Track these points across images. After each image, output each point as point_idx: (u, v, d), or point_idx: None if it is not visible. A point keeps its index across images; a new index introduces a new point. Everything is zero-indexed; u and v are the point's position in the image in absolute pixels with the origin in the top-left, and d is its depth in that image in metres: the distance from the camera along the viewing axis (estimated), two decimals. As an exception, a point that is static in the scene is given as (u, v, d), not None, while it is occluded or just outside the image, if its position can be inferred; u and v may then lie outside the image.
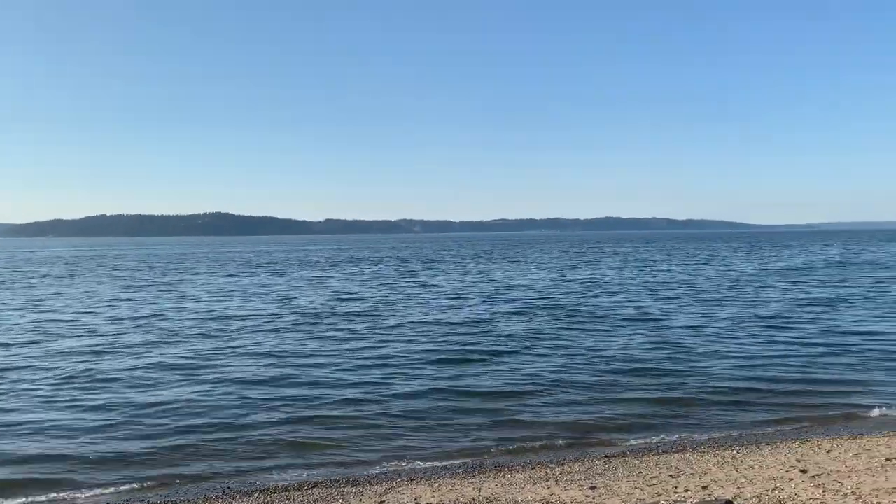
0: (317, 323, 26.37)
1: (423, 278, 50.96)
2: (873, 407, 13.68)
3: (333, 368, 17.77)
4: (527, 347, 20.23)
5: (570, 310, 29.31)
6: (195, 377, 16.91)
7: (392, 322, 26.28)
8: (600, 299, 33.63)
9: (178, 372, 17.52)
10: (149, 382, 16.40)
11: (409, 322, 26.20)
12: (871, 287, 38.78)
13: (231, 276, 57.00)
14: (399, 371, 17.29)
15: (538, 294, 36.71)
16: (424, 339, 22.05)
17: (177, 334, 23.80)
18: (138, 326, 26.02)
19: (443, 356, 19.02)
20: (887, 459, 9.80)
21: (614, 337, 22.07)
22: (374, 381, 16.22)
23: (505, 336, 22.47)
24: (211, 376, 16.93)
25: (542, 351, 19.69)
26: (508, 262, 76.21)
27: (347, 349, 20.51)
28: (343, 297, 36.84)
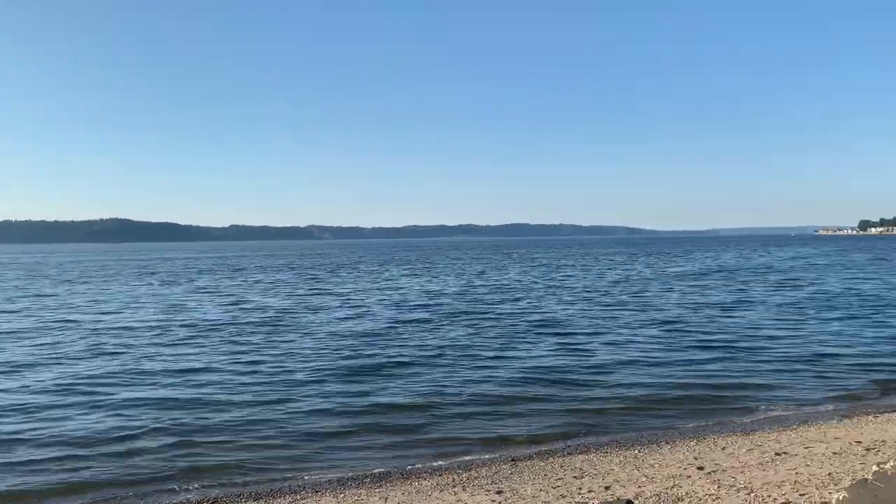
0: (212, 335, 24.67)
1: (328, 286, 49.65)
2: (764, 404, 14.36)
3: (230, 385, 16.59)
4: (433, 357, 19.80)
5: (478, 317, 29.20)
6: (75, 401, 15.09)
7: (293, 333, 25.13)
8: (507, 305, 33.88)
9: (56, 395, 15.61)
10: (21, 409, 14.47)
11: (311, 333, 25.10)
12: (762, 291, 40.89)
13: (123, 285, 53.88)
14: (300, 385, 16.44)
15: (446, 301, 36.40)
16: (328, 351, 21.10)
17: (56, 351, 21.51)
18: (13, 343, 23.57)
19: (347, 368, 18.34)
20: (777, 454, 10.24)
21: (520, 343, 22.12)
22: (274, 397, 15.28)
23: (412, 346, 21.90)
24: (93, 398, 15.24)
25: (449, 360, 19.38)
26: (418, 268, 75.93)
27: (245, 363, 19.31)
28: (242, 307, 35.14)
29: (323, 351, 21.29)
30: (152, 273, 71.49)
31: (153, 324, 28.17)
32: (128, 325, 27.97)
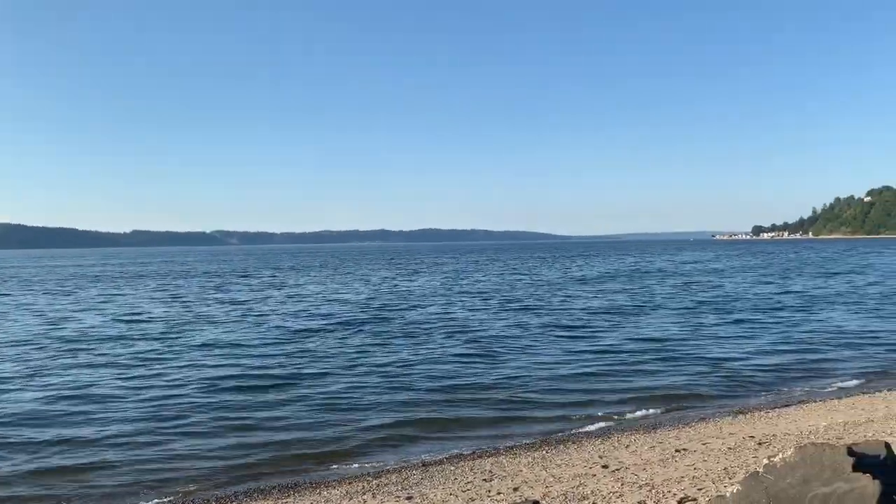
0: (97, 348, 23.07)
1: (230, 294, 47.62)
2: (666, 403, 14.91)
3: (110, 401, 15.48)
4: (336, 366, 19.23)
5: (385, 323, 28.82)
6: None
7: (186, 344, 23.71)
8: (416, 311, 33.67)
9: None
10: None
11: (207, 343, 23.73)
12: (663, 294, 42.51)
13: (3, 295, 50.15)
14: (191, 400, 15.43)
15: (354, 308, 35.76)
16: (225, 363, 19.94)
17: None
18: None
19: (245, 380, 17.44)
20: (677, 450, 10.63)
21: (428, 350, 21.95)
22: (162, 414, 14.29)
23: (315, 355, 21.13)
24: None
25: (353, 368, 18.94)
26: (327, 274, 74.93)
27: (130, 378, 18.02)
28: (133, 317, 32.98)
29: (218, 362, 20.12)
30: (40, 282, 67.46)
31: (32, 338, 25.95)
32: (5, 340, 25.62)
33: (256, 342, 24.13)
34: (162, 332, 26.90)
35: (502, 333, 25.40)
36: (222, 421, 13.76)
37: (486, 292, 45.33)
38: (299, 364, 19.78)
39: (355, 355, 21.12)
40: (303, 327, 28.17)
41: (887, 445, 6.81)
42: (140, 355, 21.62)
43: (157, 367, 19.68)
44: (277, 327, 28.28)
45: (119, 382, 17.56)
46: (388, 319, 30.41)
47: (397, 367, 19.15)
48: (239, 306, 38.21)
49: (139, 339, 25.16)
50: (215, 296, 46.65)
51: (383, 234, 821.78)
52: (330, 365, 19.55)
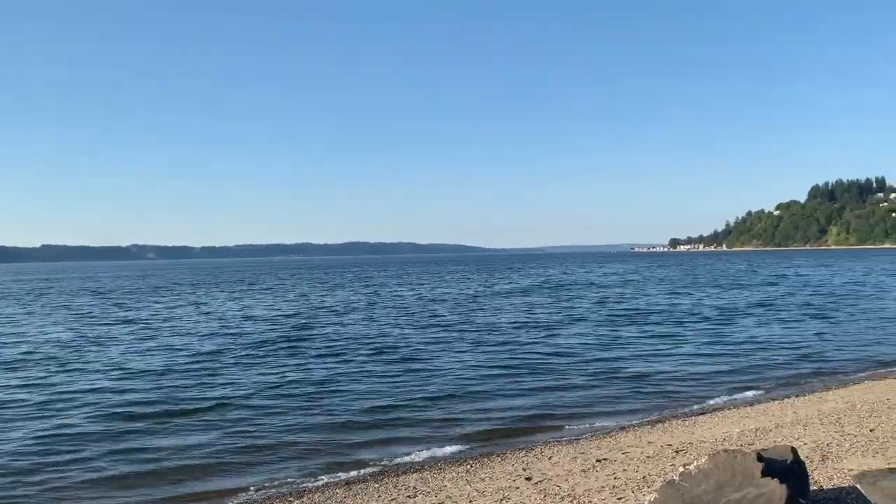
0: None
1: (138, 312, 44.49)
2: (588, 416, 15.18)
3: None
4: (252, 389, 18.00)
5: (304, 342, 27.54)
6: None
7: (84, 368, 21.97)
8: (336, 328, 32.25)
9: None
10: None
11: (107, 367, 22.04)
12: (584, 306, 43.42)
13: None
14: (84, 430, 14.28)
15: (271, 326, 34.06)
16: (127, 388, 18.29)
17: None
18: None
19: (148, 407, 16.21)
20: (598, 460, 10.80)
21: (349, 367, 21.25)
22: (54, 447, 13.11)
23: (230, 378, 19.71)
24: None
25: (269, 390, 17.87)
26: (245, 290, 72.58)
27: (16, 407, 16.59)
28: (26, 338, 30.37)
29: (118, 389, 18.49)
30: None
31: None
32: None
33: (164, 365, 22.38)
34: (56, 356, 24.80)
35: (426, 349, 25.10)
36: (119, 454, 12.66)
37: (409, 307, 44.85)
38: (210, 388, 18.45)
39: (272, 377, 19.99)
40: (216, 347, 26.24)
41: (793, 450, 7.11)
42: (30, 381, 19.97)
43: (49, 393, 18.19)
44: (188, 348, 26.33)
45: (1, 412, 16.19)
46: (308, 337, 29.04)
47: (316, 387, 18.40)
48: (147, 325, 35.86)
49: (31, 364, 23.17)
50: (121, 314, 43.59)
51: (307, 248, 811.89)
52: (244, 388, 18.27)
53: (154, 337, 30.37)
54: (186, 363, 22.77)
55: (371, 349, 25.19)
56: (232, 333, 31.13)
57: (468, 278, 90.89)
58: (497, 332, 29.66)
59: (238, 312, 42.97)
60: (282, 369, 21.28)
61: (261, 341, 28.02)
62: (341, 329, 32.17)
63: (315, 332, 31.28)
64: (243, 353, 24.92)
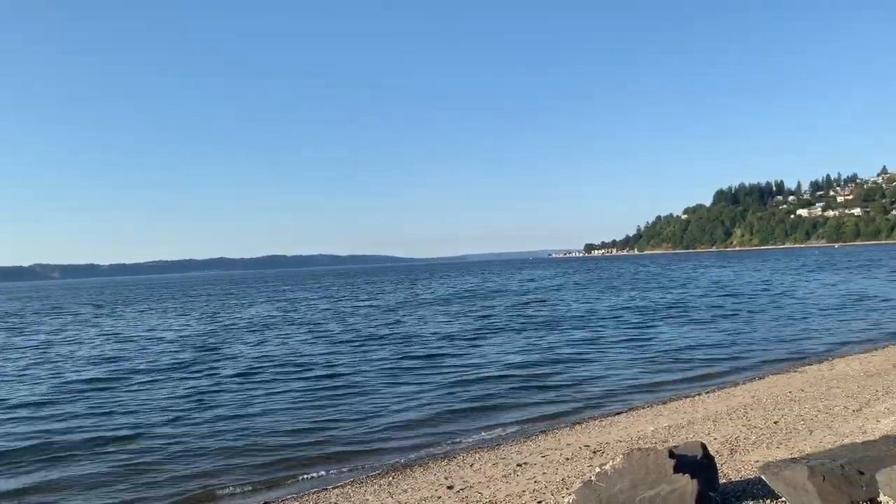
0: None
1: (31, 337, 41.00)
2: (507, 421, 15.30)
3: None
4: (158, 418, 16.80)
5: (215, 363, 25.86)
6: None
7: None
8: (250, 348, 30.43)
9: None
10: None
11: None
12: (505, 315, 43.89)
13: None
14: None
15: (180, 346, 31.96)
16: (11, 424, 16.98)
17: None
18: None
19: (35, 443, 14.84)
20: (518, 465, 10.89)
21: (265, 390, 19.96)
22: None
23: (132, 407, 18.23)
24: None
25: (179, 419, 16.63)
26: (154, 308, 68.56)
27: None
28: None
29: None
30: None
31: None
32: None
33: (57, 395, 20.67)
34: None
35: (345, 364, 24.27)
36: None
37: (327, 321, 43.55)
38: (110, 418, 17.09)
39: (177, 400, 18.92)
40: (113, 373, 24.42)
41: (703, 446, 7.34)
42: None
43: None
44: (85, 375, 24.22)
45: None
46: (218, 357, 27.35)
47: (228, 409, 17.46)
48: (42, 351, 33.02)
49: None
50: (11, 339, 40.13)
51: (223, 263, 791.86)
52: (150, 417, 16.97)
53: (51, 363, 27.88)
54: (87, 391, 20.96)
55: (286, 367, 24.05)
56: (133, 357, 28.80)
57: (390, 289, 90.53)
58: (419, 344, 29.14)
59: (147, 333, 40.38)
60: (190, 392, 20.13)
61: (168, 364, 26.19)
62: (254, 347, 30.50)
63: (226, 351, 29.48)
64: (146, 378, 23.05)
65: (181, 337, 37.05)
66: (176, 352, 30.26)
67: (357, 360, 25.19)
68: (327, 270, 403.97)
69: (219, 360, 26.67)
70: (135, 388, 21.33)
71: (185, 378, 22.83)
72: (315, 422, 15.84)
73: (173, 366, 25.82)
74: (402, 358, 25.18)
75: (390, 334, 33.40)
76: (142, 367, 25.79)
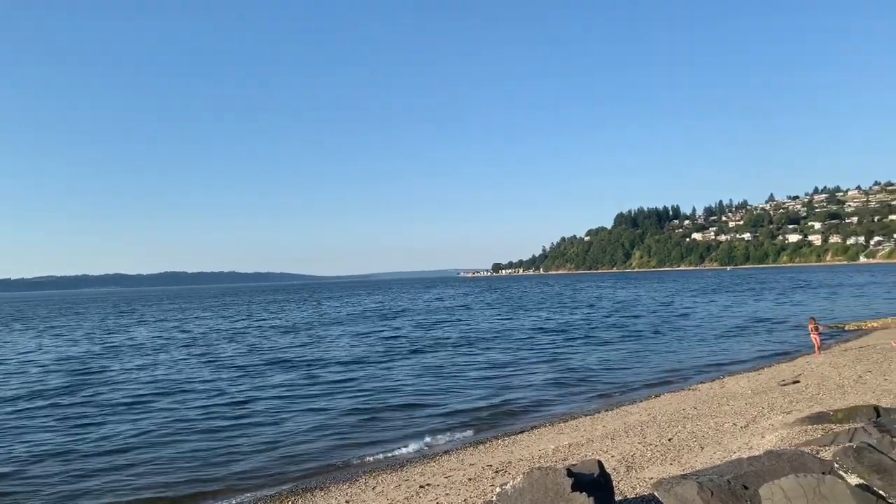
0: None
1: None
2: (402, 441, 15.21)
3: None
4: (21, 452, 15.31)
5: (99, 389, 24.09)
6: None
7: None
8: (137, 373, 28.32)
9: None
10: None
11: None
12: (409, 336, 43.79)
13: None
14: None
15: (56, 372, 29.22)
16: None
17: None
18: None
19: None
20: (421, 486, 10.80)
21: (154, 420, 18.51)
22: None
23: None
24: None
25: (51, 456, 15.03)
26: (29, 329, 62.40)
27: None
28: None
29: None
30: None
31: None
32: None
33: None
34: None
35: (247, 390, 23.03)
36: None
37: (226, 343, 41.23)
38: None
39: (58, 434, 17.34)
40: None
41: (600, 464, 7.48)
42: None
43: None
44: None
45: None
46: (104, 384, 25.40)
47: (115, 442, 16.13)
48: None
49: None
50: None
51: (119, 279, 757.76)
52: (19, 451, 15.54)
53: None
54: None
55: (179, 393, 22.67)
56: (4, 385, 26.14)
57: (294, 308, 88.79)
58: (322, 367, 28.08)
59: (19, 357, 36.77)
60: (68, 420, 18.83)
61: (44, 390, 24.28)
62: (144, 372, 28.42)
63: (110, 376, 27.34)
64: (14, 407, 21.23)
65: (59, 360, 34.13)
66: (52, 377, 27.71)
67: (256, 384, 24.08)
68: (230, 288, 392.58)
69: (104, 386, 24.87)
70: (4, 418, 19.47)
71: (64, 406, 21.14)
72: (211, 449, 15.16)
73: (50, 392, 23.77)
74: (304, 381, 24.35)
75: (293, 357, 31.85)
76: (12, 393, 23.70)
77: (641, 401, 18.37)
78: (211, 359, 32.37)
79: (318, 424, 17.16)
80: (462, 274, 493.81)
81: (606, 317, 51.35)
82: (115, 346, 41.03)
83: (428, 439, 15.25)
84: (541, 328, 43.10)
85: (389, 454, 14.09)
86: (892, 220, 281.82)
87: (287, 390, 22.54)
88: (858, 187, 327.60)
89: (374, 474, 12.40)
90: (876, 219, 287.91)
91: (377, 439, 15.47)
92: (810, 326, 24.93)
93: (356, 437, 15.80)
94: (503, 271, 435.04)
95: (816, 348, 24.31)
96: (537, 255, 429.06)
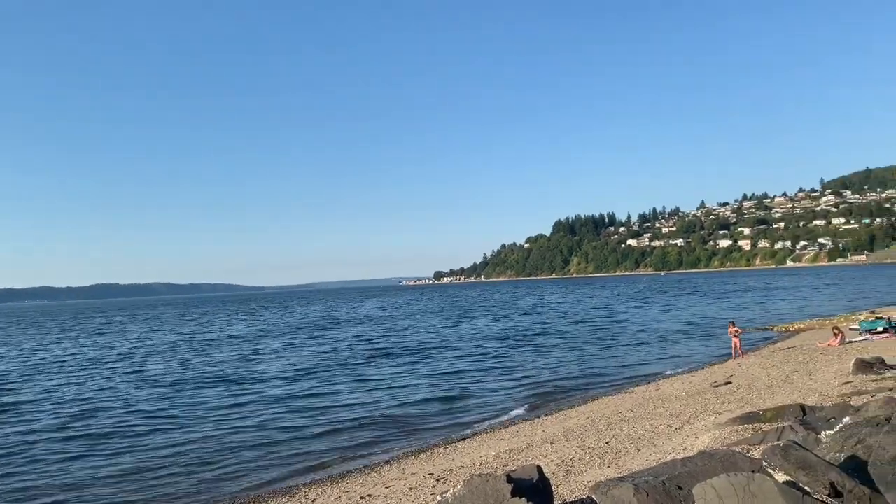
0: None
1: None
2: (347, 452, 15.05)
3: None
4: None
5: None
6: None
7: None
8: (38, 391, 26.80)
9: None
10: None
11: None
12: (343, 347, 43.38)
13: None
14: None
15: None
16: None
17: None
18: None
19: None
20: (362, 497, 10.70)
21: (55, 435, 17.96)
22: None
23: None
24: None
25: None
26: None
27: None
28: None
29: None
30: None
31: None
32: None
33: None
34: None
35: (180, 406, 22.20)
36: None
37: (154, 359, 39.65)
38: None
39: None
40: None
41: (539, 468, 7.52)
42: None
43: None
44: None
45: None
46: (25, 403, 24.00)
47: (39, 475, 14.78)
48: None
49: None
50: None
51: (46, 293, 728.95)
52: None
53: None
54: None
55: (105, 414, 21.32)
56: None
57: (230, 321, 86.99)
58: (257, 381, 27.13)
59: None
60: None
61: None
62: (70, 390, 27.00)
63: (29, 395, 25.80)
64: None
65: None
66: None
67: (185, 401, 23.06)
68: (164, 300, 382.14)
69: (28, 405, 23.63)
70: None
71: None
72: (140, 467, 14.64)
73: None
74: (237, 398, 23.29)
75: (225, 373, 30.28)
76: None
77: (581, 404, 18.63)
78: (143, 375, 30.84)
79: (253, 441, 16.71)
80: (404, 282, 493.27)
81: (548, 323, 52.00)
82: (35, 362, 39.22)
83: (369, 450, 15.13)
84: (484, 335, 43.27)
85: (330, 467, 13.91)
86: (816, 226, 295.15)
87: (219, 408, 21.53)
88: (784, 194, 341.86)
89: (313, 487, 12.21)
90: (801, 224, 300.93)
91: (316, 451, 15.24)
92: (730, 330, 25.68)
93: (294, 451, 15.48)
94: (445, 279, 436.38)
95: (738, 351, 24.89)
96: (479, 263, 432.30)
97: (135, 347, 47.10)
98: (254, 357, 36.44)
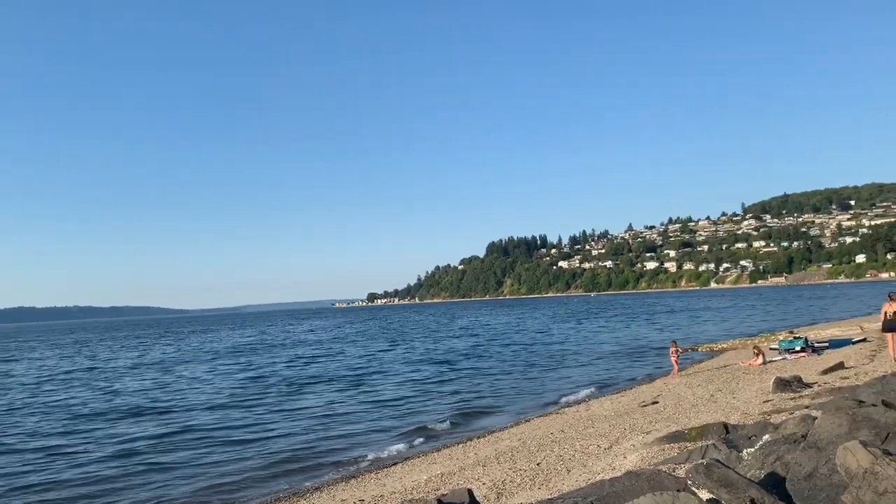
0: None
1: None
2: (279, 478, 14.65)
3: None
4: None
5: None
6: None
7: None
8: None
9: None
10: None
11: None
12: (277, 373, 42.52)
13: None
14: None
15: None
16: None
17: None
18: None
19: None
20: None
21: None
22: None
23: None
24: None
25: None
26: None
27: None
28: None
29: None
30: None
31: None
32: None
33: None
34: None
35: (85, 441, 20.94)
36: None
37: (63, 389, 37.79)
38: None
39: None
40: None
41: (470, 492, 7.47)
42: None
43: None
44: None
45: None
46: None
47: None
48: None
49: None
50: None
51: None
52: None
53: None
54: None
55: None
56: None
57: (150, 346, 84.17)
58: (183, 413, 25.61)
59: None
60: None
61: None
62: None
63: None
64: None
65: None
66: None
67: (112, 434, 21.62)
68: (81, 324, 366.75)
69: None
70: None
71: None
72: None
73: None
74: (158, 430, 21.80)
75: (145, 403, 28.64)
76: None
77: (512, 426, 18.69)
78: (48, 407, 28.58)
79: (174, 474, 15.97)
80: (337, 304, 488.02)
81: (483, 345, 52.13)
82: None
83: (297, 477, 14.78)
84: (419, 358, 42.96)
85: (256, 497, 13.50)
86: (737, 248, 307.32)
87: (136, 441, 20.09)
88: (708, 217, 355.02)
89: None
90: (724, 247, 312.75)
91: (239, 485, 14.67)
92: (671, 349, 26.43)
93: (218, 483, 14.91)
94: (379, 300, 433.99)
95: (675, 370, 25.76)
96: (412, 285, 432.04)
97: (43, 375, 44.94)
98: (175, 385, 34.82)
